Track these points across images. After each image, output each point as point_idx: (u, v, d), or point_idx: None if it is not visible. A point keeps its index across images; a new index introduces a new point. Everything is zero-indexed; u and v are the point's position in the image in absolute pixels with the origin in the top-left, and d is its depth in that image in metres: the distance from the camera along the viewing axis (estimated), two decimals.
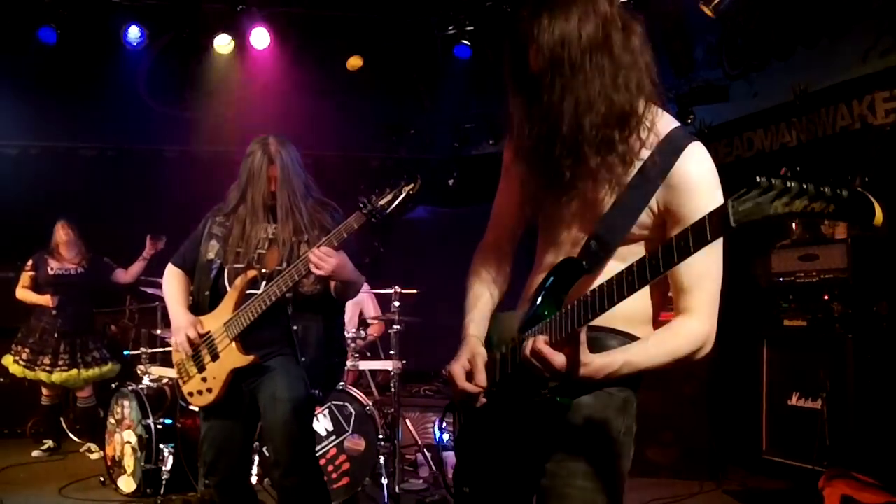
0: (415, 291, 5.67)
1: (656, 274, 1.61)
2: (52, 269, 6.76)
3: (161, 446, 5.18)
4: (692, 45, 7.51)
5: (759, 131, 6.71)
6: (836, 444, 4.80)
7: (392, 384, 5.45)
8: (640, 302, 1.94)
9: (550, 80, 1.82)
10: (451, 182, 8.98)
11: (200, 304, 3.53)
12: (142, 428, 5.30)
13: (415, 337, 5.76)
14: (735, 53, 7.27)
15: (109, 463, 5.57)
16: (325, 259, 3.19)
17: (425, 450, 5.91)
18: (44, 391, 6.83)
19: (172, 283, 3.66)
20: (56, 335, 6.65)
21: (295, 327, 3.39)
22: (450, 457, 5.98)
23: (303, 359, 3.39)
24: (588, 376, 1.78)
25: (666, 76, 7.67)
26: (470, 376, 1.99)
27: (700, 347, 1.86)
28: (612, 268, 1.83)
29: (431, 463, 5.78)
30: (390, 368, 5.42)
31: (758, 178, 1.38)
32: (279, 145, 3.53)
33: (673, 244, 1.57)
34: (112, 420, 5.58)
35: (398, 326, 5.38)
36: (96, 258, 6.93)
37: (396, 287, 5.44)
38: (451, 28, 8.35)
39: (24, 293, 6.77)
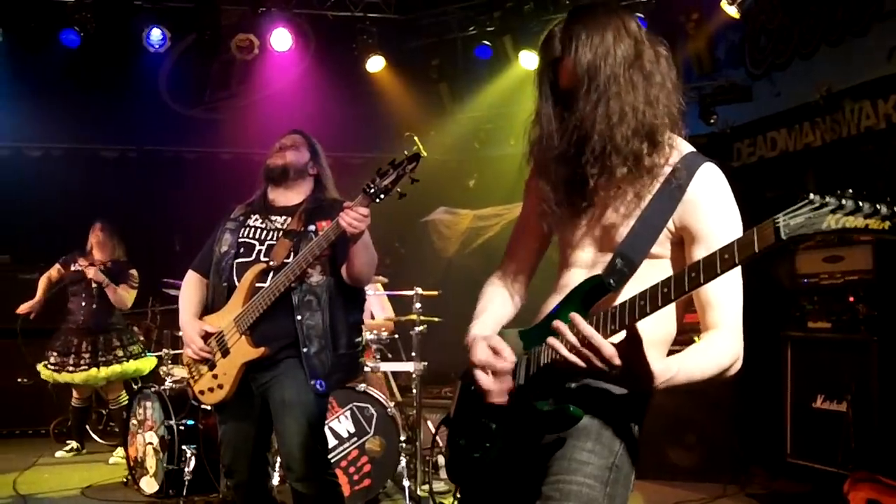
0: (436, 293, 5.65)
1: (695, 286, 1.63)
2: (77, 266, 6.70)
3: (183, 447, 5.19)
4: (715, 44, 7.48)
5: (783, 131, 6.65)
6: (861, 448, 4.75)
7: (413, 386, 5.45)
8: (662, 323, 1.95)
9: (585, 91, 1.88)
10: (471, 183, 8.98)
11: (218, 298, 3.53)
12: (164, 429, 5.32)
13: (436, 338, 5.75)
14: (758, 52, 7.23)
15: (132, 464, 5.60)
16: (361, 218, 3.13)
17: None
18: (74, 392, 6.79)
19: (186, 291, 3.67)
20: (79, 334, 6.59)
21: (299, 317, 3.37)
22: None
23: (304, 350, 3.36)
24: (644, 378, 1.76)
25: (688, 75, 7.71)
26: (496, 359, 1.97)
27: (735, 362, 1.87)
28: (635, 287, 1.81)
29: None
30: (412, 370, 5.41)
31: (811, 196, 1.41)
32: (305, 139, 3.66)
33: (716, 257, 1.59)
34: (134, 421, 5.61)
35: (420, 328, 5.37)
36: (119, 265, 6.77)
37: (418, 288, 5.43)
38: (471, 28, 8.37)
39: (41, 281, 6.76)
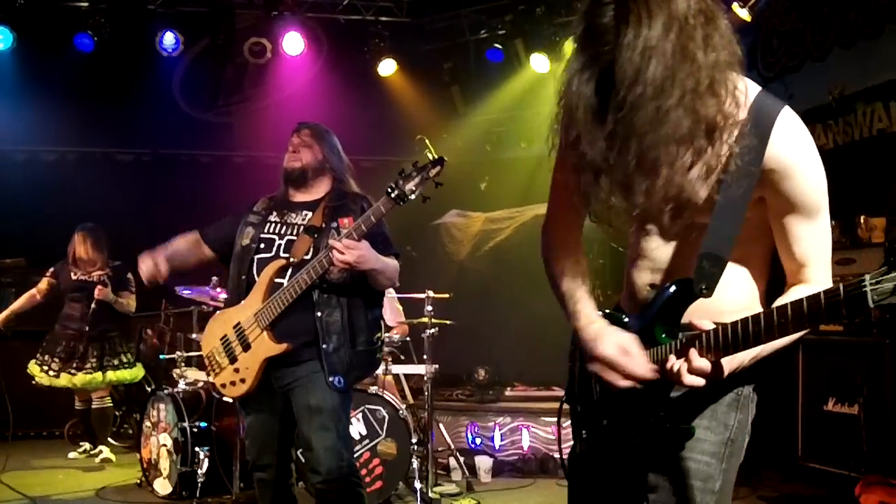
0: (447, 296, 5.67)
1: (784, 333, 1.62)
2: (75, 275, 6.61)
3: (196, 449, 5.22)
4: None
5: None
6: (873, 451, 4.74)
7: (425, 388, 5.47)
8: (743, 294, 1.91)
9: (635, 94, 1.62)
10: (482, 186, 9.00)
11: (237, 291, 3.57)
12: (177, 431, 5.35)
13: (448, 341, 5.77)
14: (770, 55, 7.21)
15: (146, 465, 5.64)
16: (346, 250, 3.20)
17: (458, 453, 5.92)
18: (77, 396, 6.78)
19: (180, 238, 3.82)
20: (85, 341, 6.52)
21: (319, 314, 3.40)
22: (482, 461, 6.00)
23: (324, 346, 3.39)
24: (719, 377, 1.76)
25: None
26: (628, 355, 1.88)
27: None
28: (728, 280, 1.80)
29: (464, 467, 5.79)
30: (423, 372, 5.43)
31: None
32: (316, 134, 3.68)
33: (804, 309, 1.56)
34: (148, 423, 5.65)
35: (432, 330, 5.39)
36: (120, 269, 6.74)
37: (429, 291, 5.46)
38: (483, 32, 8.39)
39: (26, 296, 6.68)
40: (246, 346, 3.47)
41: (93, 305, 6.48)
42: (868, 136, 6.05)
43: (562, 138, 1.87)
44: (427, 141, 7.44)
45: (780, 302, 1.71)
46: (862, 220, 5.31)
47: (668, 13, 1.62)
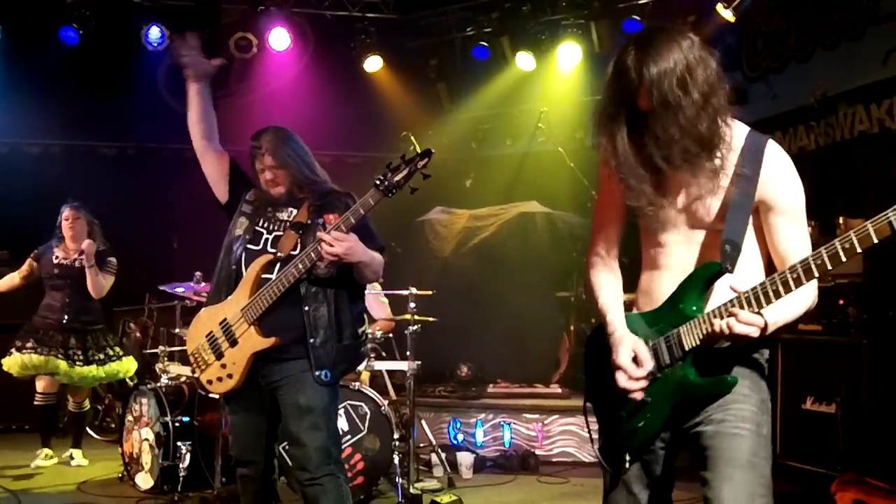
0: (430, 293, 5.70)
1: (823, 272, 2.01)
2: (56, 258, 6.11)
3: (179, 443, 5.24)
4: (711, 47, 7.51)
5: (777, 134, 6.69)
6: (849, 449, 4.80)
7: (407, 384, 5.50)
8: (754, 272, 2.33)
9: (660, 113, 2.18)
10: (467, 183, 9.03)
11: (221, 280, 3.59)
12: (160, 425, 5.37)
13: (431, 337, 5.80)
14: (754, 55, 7.29)
15: (127, 460, 5.65)
16: (335, 242, 3.23)
17: (440, 450, 5.96)
18: (38, 388, 6.12)
19: None
20: (63, 332, 6.05)
21: (306, 308, 3.43)
22: (464, 457, 6.04)
23: (311, 340, 3.42)
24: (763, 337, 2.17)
25: None
26: (637, 363, 2.31)
27: (815, 300, 2.26)
28: (742, 264, 2.26)
29: (446, 463, 5.83)
30: (406, 369, 5.46)
31: None
32: (274, 139, 3.61)
33: (837, 247, 1.97)
34: (130, 417, 5.66)
35: (414, 327, 5.42)
36: (103, 254, 6.18)
37: (412, 288, 5.48)
38: (469, 29, 8.42)
39: (6, 278, 6.26)
40: (233, 342, 3.49)
41: (77, 300, 6.08)
42: (850, 137, 6.13)
43: (603, 167, 2.42)
44: (412, 138, 7.51)
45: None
46: (841, 221, 5.36)
47: (676, 53, 2.18)
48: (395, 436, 5.14)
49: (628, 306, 2.52)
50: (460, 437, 6.59)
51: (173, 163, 8.62)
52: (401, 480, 5.14)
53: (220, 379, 3.54)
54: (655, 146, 2.21)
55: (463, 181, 9.02)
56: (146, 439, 5.45)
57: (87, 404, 6.48)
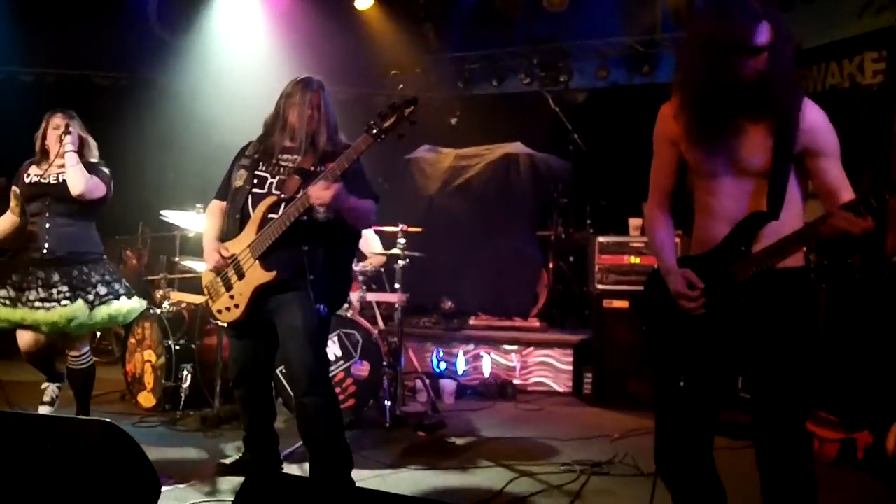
0: (420, 230, 5.95)
1: (868, 209, 2.38)
2: (28, 176, 4.81)
3: (181, 365, 5.56)
4: None
5: None
6: None
7: (395, 315, 5.81)
8: (794, 219, 2.62)
9: (779, 50, 2.48)
10: (453, 121, 9.20)
11: (231, 228, 3.89)
12: (162, 348, 5.66)
13: (417, 272, 6.05)
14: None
15: (129, 380, 5.95)
16: (320, 192, 3.53)
17: (424, 377, 6.30)
18: (22, 346, 4.75)
19: (210, 218, 4.08)
20: (44, 265, 4.68)
21: (306, 248, 3.73)
22: (446, 384, 6.39)
23: (310, 276, 3.72)
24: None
25: (665, 26, 7.94)
26: (692, 286, 2.65)
27: None
28: (785, 210, 2.56)
29: (430, 389, 6.17)
30: (394, 301, 5.76)
31: None
32: (321, 84, 3.90)
33: (869, 195, 2.37)
34: (133, 340, 5.93)
35: (403, 262, 5.69)
36: (94, 164, 4.82)
37: (402, 225, 5.74)
38: None
39: (5, 218, 4.96)
40: (240, 275, 3.80)
41: (62, 224, 4.73)
42: (821, 90, 6.35)
43: (662, 126, 2.76)
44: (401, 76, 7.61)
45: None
46: None
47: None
48: (384, 363, 5.45)
49: (685, 251, 2.87)
50: (443, 365, 6.91)
51: (166, 94, 8.72)
52: (388, 403, 5.47)
53: (228, 309, 3.86)
54: (757, 85, 2.48)
55: (449, 119, 9.19)
56: (148, 361, 5.75)
57: (84, 360, 4.92)
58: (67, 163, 4.64)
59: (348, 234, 3.92)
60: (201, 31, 8.50)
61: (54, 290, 4.62)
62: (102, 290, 4.74)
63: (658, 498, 3.30)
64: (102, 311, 4.69)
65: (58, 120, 4.78)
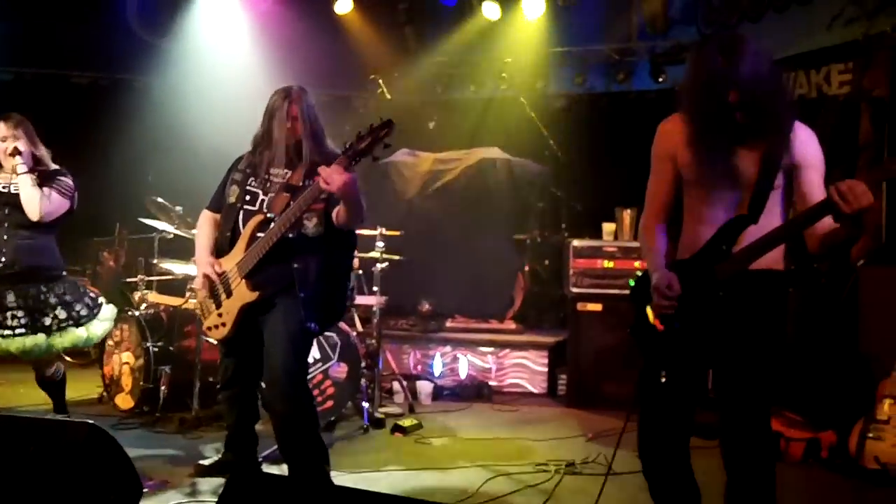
0: (399, 233, 6.01)
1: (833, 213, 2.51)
2: None
3: (158, 368, 5.56)
4: (669, 5, 7.79)
5: None
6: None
7: (373, 318, 5.87)
8: (773, 223, 2.78)
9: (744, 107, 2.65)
10: (431, 125, 9.25)
11: (222, 245, 3.92)
12: (140, 350, 5.68)
13: (395, 274, 6.12)
14: (710, 13, 7.53)
15: (107, 381, 5.95)
16: (332, 176, 3.44)
17: (402, 378, 6.36)
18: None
19: (202, 229, 4.08)
20: (0, 281, 4.49)
21: (296, 265, 3.71)
22: (423, 385, 6.46)
23: (301, 294, 3.71)
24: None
25: (641, 34, 8.05)
26: (670, 289, 2.78)
27: None
28: (764, 216, 2.73)
29: (407, 391, 6.24)
30: (373, 304, 5.82)
31: None
32: (300, 93, 3.87)
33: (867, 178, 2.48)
34: (111, 342, 5.92)
35: (382, 265, 5.76)
36: (54, 173, 4.66)
37: (381, 228, 5.80)
38: None
39: None
40: (229, 293, 3.83)
41: (16, 238, 4.52)
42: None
43: (661, 146, 2.94)
44: (381, 81, 7.72)
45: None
46: None
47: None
48: (362, 364, 5.51)
49: (671, 256, 2.99)
50: (420, 367, 7.00)
51: (145, 94, 8.70)
52: (366, 405, 5.53)
53: (216, 326, 3.90)
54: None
55: (427, 124, 9.23)
56: (126, 363, 5.77)
57: (57, 368, 4.96)
58: (21, 186, 4.46)
59: (343, 244, 3.92)
60: (182, 33, 8.50)
61: (9, 316, 4.44)
62: (62, 313, 4.57)
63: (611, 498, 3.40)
64: (63, 339, 4.57)
65: (3, 132, 4.56)
